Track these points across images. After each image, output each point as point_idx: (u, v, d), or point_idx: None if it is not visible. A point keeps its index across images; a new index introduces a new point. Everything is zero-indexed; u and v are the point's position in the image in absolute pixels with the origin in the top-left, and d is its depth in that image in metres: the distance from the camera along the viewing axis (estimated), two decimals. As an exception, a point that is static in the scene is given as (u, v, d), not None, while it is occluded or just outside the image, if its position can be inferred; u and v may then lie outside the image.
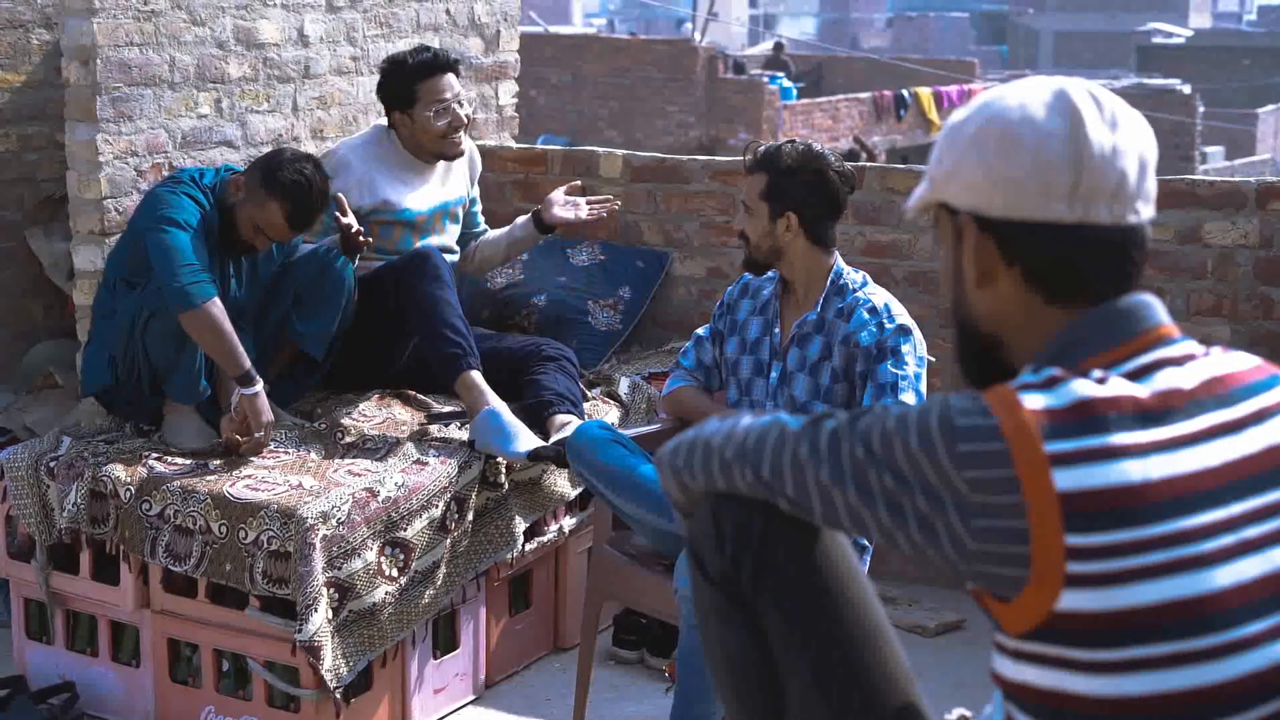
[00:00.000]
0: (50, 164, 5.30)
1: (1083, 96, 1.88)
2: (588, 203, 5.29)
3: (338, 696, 4.02)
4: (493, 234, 5.44)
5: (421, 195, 5.16)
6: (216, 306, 4.31)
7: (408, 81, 5.08)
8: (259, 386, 4.37)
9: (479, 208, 5.48)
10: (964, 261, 1.95)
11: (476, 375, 4.59)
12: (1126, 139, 1.88)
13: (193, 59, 5.01)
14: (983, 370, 1.98)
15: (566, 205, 5.27)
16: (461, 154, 5.21)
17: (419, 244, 4.99)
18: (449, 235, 5.27)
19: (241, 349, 4.35)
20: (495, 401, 4.52)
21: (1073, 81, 1.91)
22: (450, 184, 5.27)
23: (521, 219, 5.37)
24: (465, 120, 5.13)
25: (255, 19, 5.21)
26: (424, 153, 5.14)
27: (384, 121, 5.22)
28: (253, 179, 4.50)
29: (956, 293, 1.98)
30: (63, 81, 4.84)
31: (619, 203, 5.39)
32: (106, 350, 4.50)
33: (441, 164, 5.22)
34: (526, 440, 4.43)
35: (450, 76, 5.11)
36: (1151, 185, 1.91)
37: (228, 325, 4.32)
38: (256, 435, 4.35)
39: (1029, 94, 1.90)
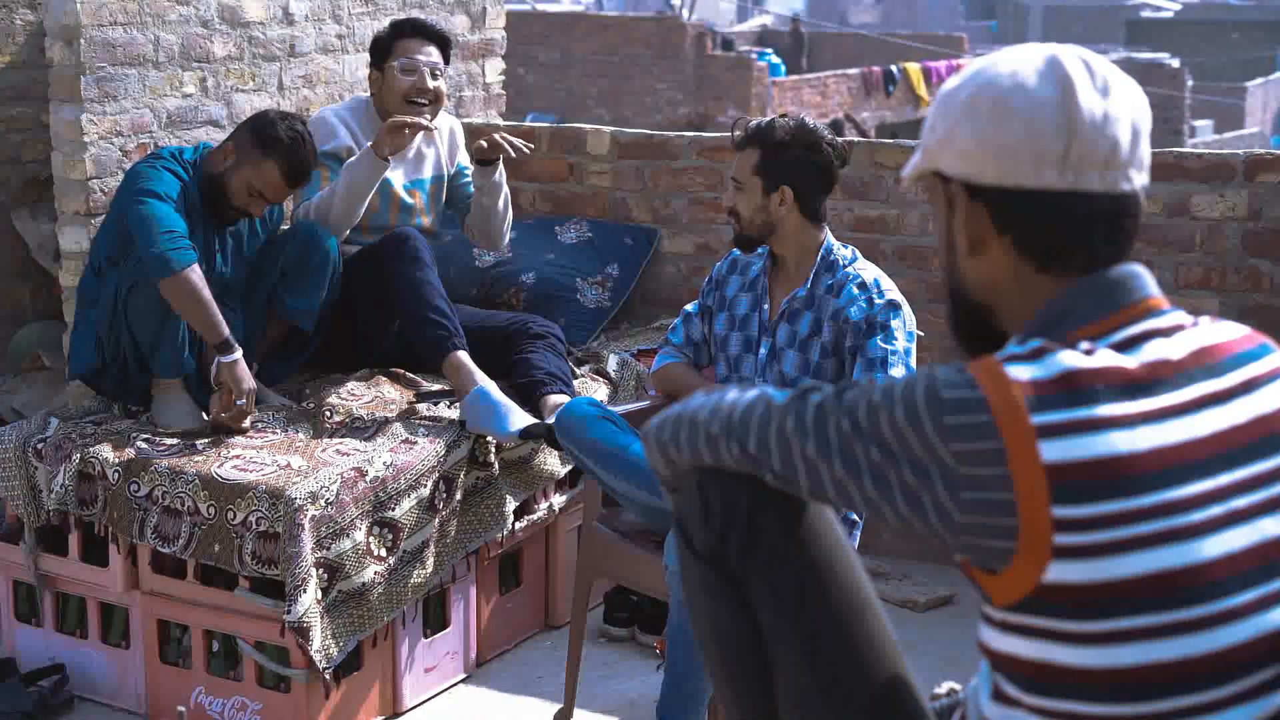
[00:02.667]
0: (35, 145, 5.28)
1: (1074, 63, 1.87)
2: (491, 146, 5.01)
3: (327, 677, 4.01)
4: None
5: (397, 169, 5.07)
6: (195, 273, 4.30)
7: (391, 35, 5.09)
8: (238, 354, 4.36)
9: (466, 180, 5.30)
10: (956, 230, 1.94)
11: (463, 355, 4.58)
12: (1118, 106, 1.87)
13: (177, 38, 4.99)
14: (975, 338, 1.98)
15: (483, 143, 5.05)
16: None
17: (398, 226, 4.93)
18: (426, 213, 5.19)
19: (220, 316, 4.35)
20: (483, 380, 4.52)
21: (1065, 48, 1.90)
22: (428, 162, 5.20)
23: (469, 185, 5.22)
24: (432, 90, 5.04)
25: (240, -3, 5.19)
26: (392, 113, 4.99)
27: (366, 94, 5.20)
28: (243, 142, 4.50)
29: (949, 261, 1.98)
30: (47, 62, 4.82)
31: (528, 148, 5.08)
32: (92, 333, 4.49)
33: (419, 145, 5.13)
34: (517, 418, 4.42)
35: (431, 46, 5.08)
36: (1145, 153, 1.90)
37: (206, 292, 4.31)
38: (238, 403, 4.35)
39: (1021, 61, 1.89)
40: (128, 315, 4.41)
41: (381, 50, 5.09)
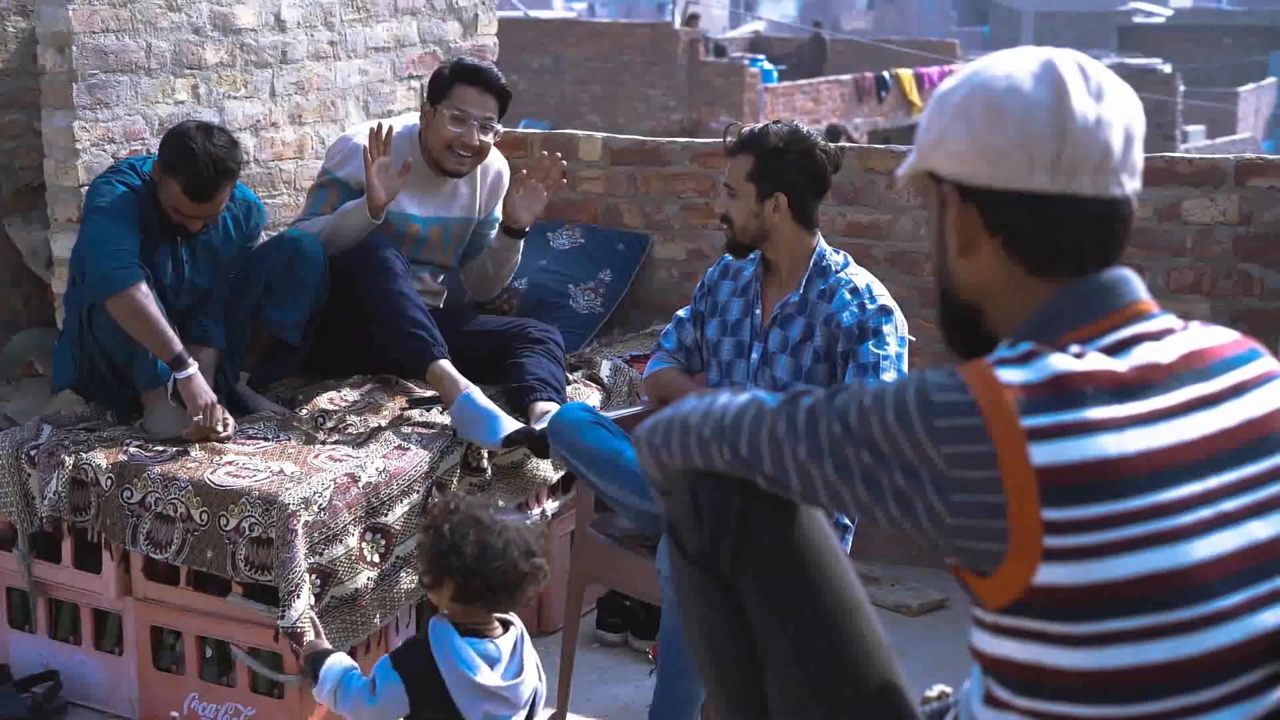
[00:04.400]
0: (28, 152, 5.27)
1: (1069, 67, 1.88)
2: (534, 180, 5.05)
3: (321, 682, 4.01)
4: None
5: (423, 202, 5.02)
6: (140, 291, 4.27)
7: (451, 77, 4.95)
8: (191, 369, 4.33)
9: (493, 230, 5.23)
10: (947, 230, 1.95)
11: (444, 364, 4.58)
12: (1112, 110, 1.87)
13: (169, 45, 4.99)
14: (966, 340, 1.98)
15: (526, 201, 5.06)
16: (460, 174, 5.00)
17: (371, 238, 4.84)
18: (444, 253, 5.12)
19: (170, 333, 4.32)
20: (466, 386, 4.52)
21: (1060, 52, 1.91)
22: (459, 203, 5.11)
23: (493, 234, 5.20)
24: (478, 144, 4.91)
25: (231, 4, 5.18)
26: (432, 158, 4.98)
27: (416, 120, 5.10)
28: (157, 162, 4.47)
29: (940, 262, 1.99)
30: (39, 69, 4.82)
31: (563, 160, 5.12)
32: (70, 347, 4.49)
33: (458, 183, 5.07)
34: (502, 424, 4.42)
35: (489, 97, 4.93)
36: (1138, 157, 1.90)
37: (153, 309, 4.29)
38: (195, 419, 4.32)
39: (1016, 63, 1.90)
40: (95, 331, 4.41)
41: (440, 89, 4.94)
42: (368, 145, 4.77)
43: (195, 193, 4.41)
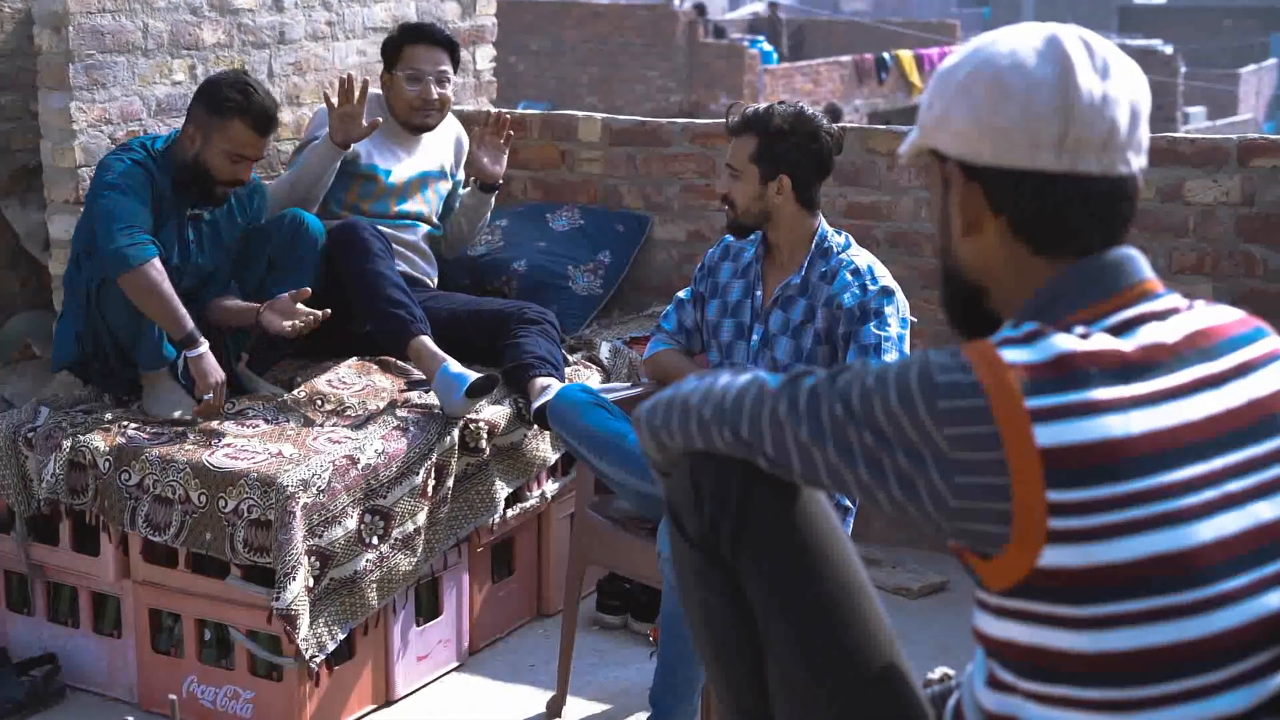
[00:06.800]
0: (24, 133, 5.25)
1: (1074, 43, 1.86)
2: (493, 134, 5.25)
3: (314, 665, 4.00)
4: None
5: (399, 159, 5.18)
6: (154, 268, 4.28)
7: (398, 42, 5.18)
8: (203, 348, 4.34)
9: (462, 190, 5.48)
10: (951, 210, 1.93)
11: (424, 340, 4.60)
12: (1118, 87, 1.85)
13: (166, 25, 4.97)
14: (969, 319, 1.96)
15: (492, 155, 5.26)
16: (429, 127, 5.21)
17: (350, 217, 4.96)
18: (427, 204, 5.26)
19: (183, 310, 4.32)
20: (444, 358, 4.53)
21: (1065, 28, 1.89)
22: (431, 155, 5.27)
23: (464, 191, 5.40)
24: (437, 97, 5.14)
25: (229, -16, 5.16)
26: (401, 120, 5.18)
27: (379, 91, 5.28)
28: (200, 117, 4.47)
29: (944, 241, 1.97)
30: (35, 49, 4.79)
31: (507, 114, 5.44)
32: (72, 326, 4.48)
33: (425, 136, 5.24)
34: (468, 380, 4.41)
35: (437, 51, 5.15)
36: (1144, 135, 1.88)
37: (166, 286, 4.30)
38: (205, 397, 4.33)
39: (1020, 40, 1.88)
40: (102, 309, 4.39)
41: (392, 55, 5.18)
42: (335, 93, 4.95)
43: (263, 125, 4.48)
